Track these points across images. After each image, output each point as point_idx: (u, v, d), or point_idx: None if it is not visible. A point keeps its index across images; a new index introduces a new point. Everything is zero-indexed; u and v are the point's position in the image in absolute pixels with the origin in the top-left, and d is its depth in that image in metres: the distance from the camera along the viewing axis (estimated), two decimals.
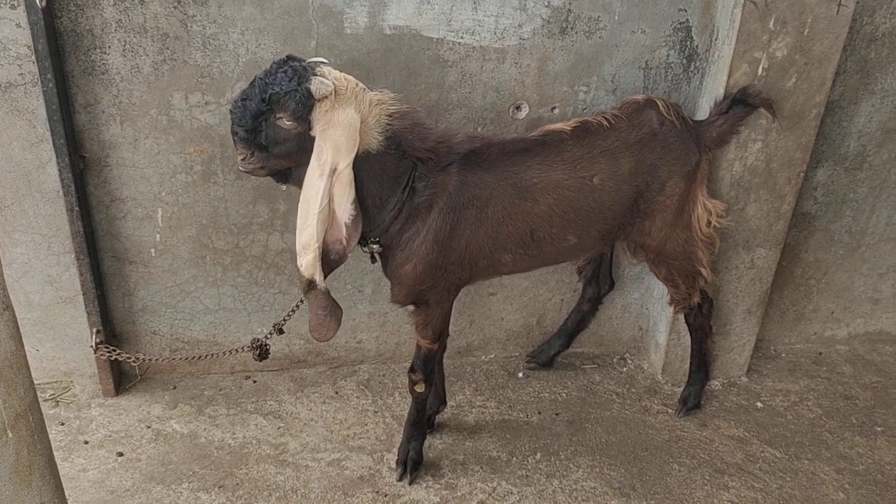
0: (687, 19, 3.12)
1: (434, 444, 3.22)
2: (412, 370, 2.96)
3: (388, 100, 2.52)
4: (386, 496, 2.95)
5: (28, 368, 1.72)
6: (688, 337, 3.49)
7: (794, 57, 3.01)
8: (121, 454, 3.09)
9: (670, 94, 3.24)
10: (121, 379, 3.44)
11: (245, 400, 3.42)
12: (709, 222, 3.06)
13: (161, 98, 2.95)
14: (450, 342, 3.65)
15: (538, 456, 3.20)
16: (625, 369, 3.79)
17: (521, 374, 3.70)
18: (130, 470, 3.02)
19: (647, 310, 3.76)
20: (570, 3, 3.01)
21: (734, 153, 3.15)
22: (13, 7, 2.69)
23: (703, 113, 3.18)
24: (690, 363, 3.51)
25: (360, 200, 2.55)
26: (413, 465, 3.04)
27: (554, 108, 3.20)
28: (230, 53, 2.91)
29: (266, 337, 2.95)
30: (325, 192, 2.41)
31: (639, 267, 3.61)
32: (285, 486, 2.98)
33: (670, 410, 3.49)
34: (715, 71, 3.12)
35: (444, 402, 3.32)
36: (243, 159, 2.50)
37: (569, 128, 2.81)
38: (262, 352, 2.95)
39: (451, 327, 3.61)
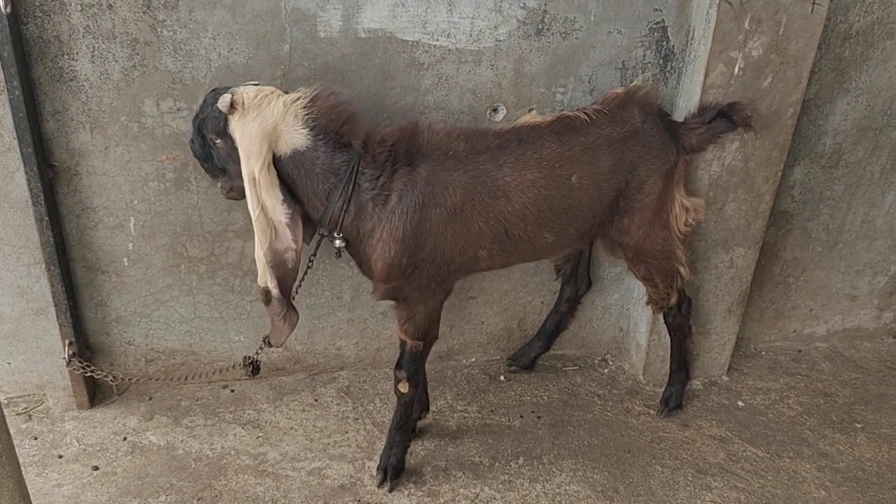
0: (663, 19, 3.11)
1: (416, 451, 3.19)
2: (398, 366, 2.93)
3: (303, 94, 2.57)
4: None
5: None
6: (668, 337, 3.48)
7: (770, 56, 3.01)
8: (96, 468, 3.03)
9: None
10: (95, 391, 3.38)
11: (223, 410, 3.36)
12: (686, 221, 3.06)
13: (132, 105, 2.89)
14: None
15: (521, 460, 3.18)
16: (606, 371, 3.78)
17: (502, 378, 3.68)
18: (106, 484, 2.96)
19: (628, 311, 3.75)
20: (545, 5, 2.99)
21: (712, 153, 3.15)
22: None
23: (679, 113, 3.18)
24: (671, 363, 3.51)
25: (303, 196, 2.65)
26: (394, 472, 3.01)
27: (531, 109, 3.17)
28: (202, 59, 2.86)
29: (256, 353, 2.95)
30: (255, 202, 2.55)
31: (619, 268, 3.61)
32: (265, 496, 2.94)
33: (652, 411, 3.49)
34: (692, 71, 3.11)
35: (427, 409, 3.29)
36: (221, 186, 2.78)
37: (546, 122, 2.80)
38: (254, 368, 2.98)
39: None
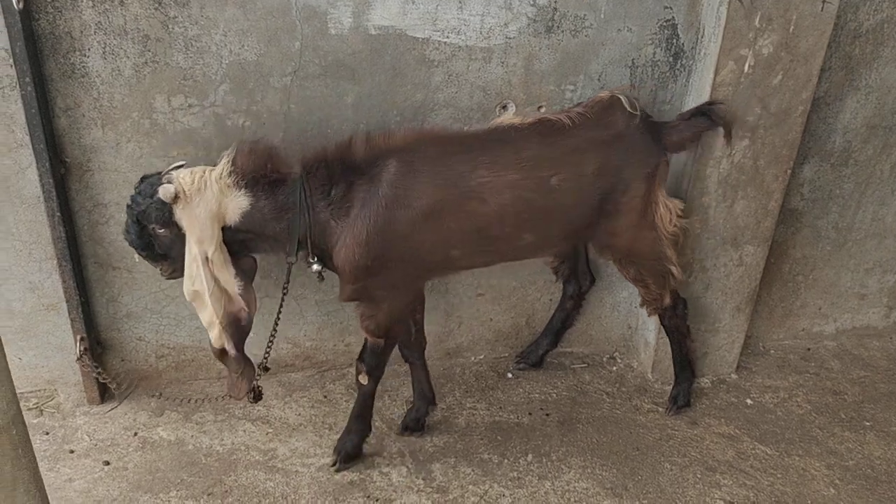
0: (673, 17, 3.11)
1: (425, 447, 3.20)
2: (359, 359, 2.98)
3: (225, 161, 2.62)
4: (377, 501, 2.93)
5: (11, 380, 1.68)
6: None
7: (780, 54, 3.01)
8: (107, 463, 3.05)
9: (657, 91, 3.24)
10: (106, 387, 3.38)
11: (232, 405, 3.37)
12: (672, 221, 3.05)
13: (143, 101, 2.90)
14: (439, 343, 3.65)
15: (529, 457, 3.18)
16: (614, 368, 3.79)
17: (510, 375, 3.68)
18: (117, 479, 2.98)
19: (636, 309, 3.74)
20: (555, 2, 2.99)
21: (721, 151, 3.14)
22: None
23: None
24: (674, 364, 3.50)
25: (268, 242, 2.75)
26: (346, 457, 3.07)
27: (541, 107, 3.18)
28: (213, 55, 2.87)
29: (256, 379, 2.94)
30: (209, 278, 2.63)
31: None
32: (275, 492, 2.95)
33: (660, 409, 3.49)
34: (701, 68, 3.11)
35: (434, 403, 3.30)
36: (161, 270, 2.82)
37: (527, 124, 2.79)
38: (255, 395, 2.97)
39: (439, 328, 3.62)
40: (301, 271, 3.09)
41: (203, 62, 2.87)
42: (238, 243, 2.73)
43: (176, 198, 2.54)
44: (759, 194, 3.29)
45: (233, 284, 2.70)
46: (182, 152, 3.00)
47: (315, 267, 2.79)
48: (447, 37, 3.00)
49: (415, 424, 3.26)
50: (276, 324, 2.97)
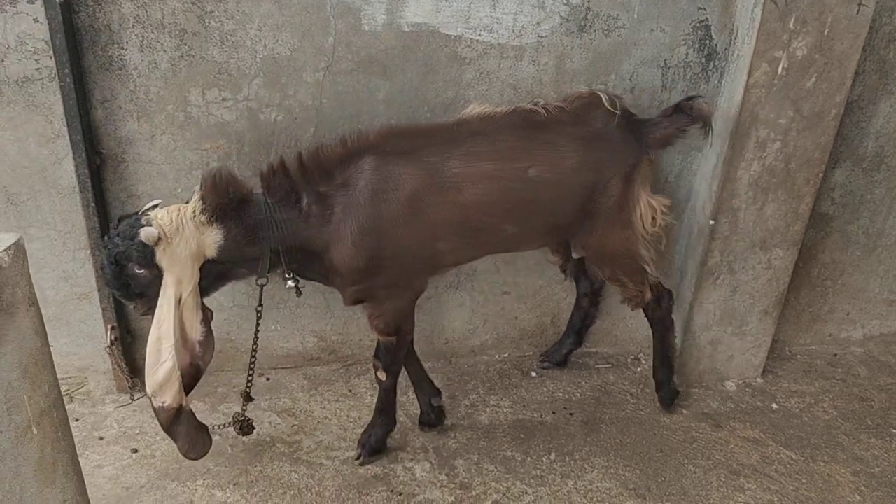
0: (706, 18, 3.10)
1: (448, 443, 3.21)
2: (375, 356, 2.99)
3: (195, 199, 2.59)
4: (400, 495, 2.94)
5: (53, 365, 1.72)
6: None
7: (815, 56, 2.99)
8: (135, 450, 3.09)
9: (688, 93, 3.22)
10: (136, 374, 3.43)
11: (259, 397, 3.40)
12: (653, 220, 3.02)
13: (178, 94, 2.94)
14: (463, 340, 3.66)
15: (552, 456, 3.18)
16: (639, 369, 3.78)
17: (534, 374, 3.68)
18: (145, 466, 3.02)
19: None
20: (588, 1, 3.00)
21: (753, 153, 3.13)
22: (31, 2, 2.69)
23: (720, 113, 3.17)
24: (654, 359, 3.45)
25: (246, 266, 2.72)
26: (370, 450, 3.08)
27: None
28: (248, 50, 2.90)
29: (243, 409, 2.95)
30: (177, 323, 2.57)
31: None
32: (300, 483, 2.97)
33: (685, 411, 3.48)
34: (734, 70, 3.10)
35: (438, 394, 3.28)
36: (135, 307, 2.74)
37: (502, 114, 2.79)
38: (243, 426, 2.96)
39: (464, 325, 3.63)
40: None
41: (238, 56, 2.91)
42: (216, 274, 2.70)
43: (158, 240, 2.50)
44: (790, 197, 3.27)
45: (197, 331, 2.65)
46: (215, 145, 3.04)
47: (290, 283, 2.77)
48: (479, 34, 3.01)
49: (429, 419, 3.27)
50: (255, 350, 2.91)
